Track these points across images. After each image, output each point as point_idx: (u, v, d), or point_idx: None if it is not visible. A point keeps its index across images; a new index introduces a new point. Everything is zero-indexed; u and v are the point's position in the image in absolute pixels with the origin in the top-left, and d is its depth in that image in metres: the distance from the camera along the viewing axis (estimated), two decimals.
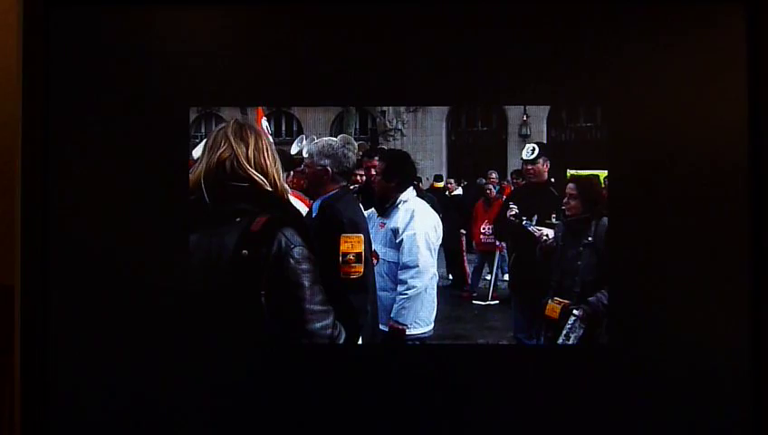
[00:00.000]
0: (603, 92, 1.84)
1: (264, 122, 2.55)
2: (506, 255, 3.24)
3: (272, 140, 2.24)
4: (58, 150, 1.80)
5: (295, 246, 1.87)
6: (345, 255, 2.05)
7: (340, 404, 1.84)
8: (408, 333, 2.38)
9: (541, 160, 2.80)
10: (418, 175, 3.24)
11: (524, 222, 2.74)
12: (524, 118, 3.92)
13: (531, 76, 1.86)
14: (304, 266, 1.88)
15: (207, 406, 1.83)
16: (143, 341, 1.81)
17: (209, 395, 1.83)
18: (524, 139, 3.83)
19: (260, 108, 2.47)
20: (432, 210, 2.56)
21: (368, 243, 2.14)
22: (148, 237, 1.81)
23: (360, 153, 2.47)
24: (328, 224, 2.12)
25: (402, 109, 3.71)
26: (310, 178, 2.13)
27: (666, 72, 1.82)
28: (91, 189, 1.81)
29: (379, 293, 2.34)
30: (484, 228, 3.36)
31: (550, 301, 2.38)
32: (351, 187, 2.27)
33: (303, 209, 2.22)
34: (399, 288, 2.39)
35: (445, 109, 3.88)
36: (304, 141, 3.82)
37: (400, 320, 2.39)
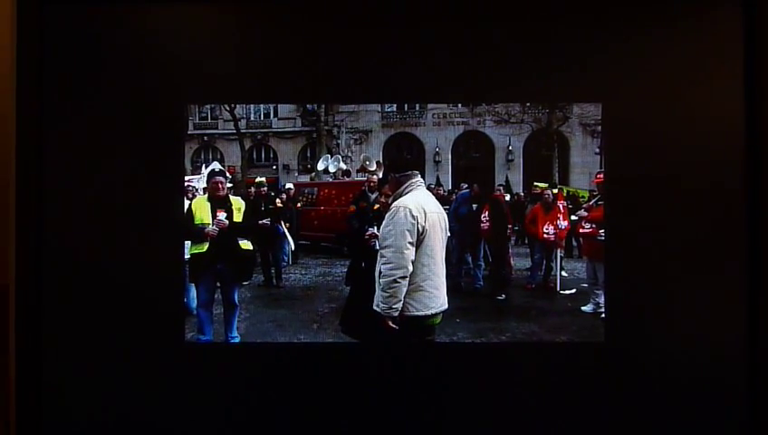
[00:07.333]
0: (603, 90, 1.83)
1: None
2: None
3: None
4: (52, 151, 1.80)
5: None
6: None
7: (345, 401, 1.84)
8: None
9: None
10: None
11: None
12: (509, 148, 5.01)
13: (531, 74, 1.84)
14: None
15: (204, 405, 1.83)
16: (137, 339, 1.81)
17: (206, 394, 1.83)
18: (509, 162, 5.07)
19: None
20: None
21: None
22: (142, 237, 1.81)
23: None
24: None
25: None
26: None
27: (664, 70, 1.80)
28: (85, 189, 1.81)
29: None
30: (546, 228, 4.07)
31: None
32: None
33: None
34: None
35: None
36: (329, 160, 4.33)
37: None
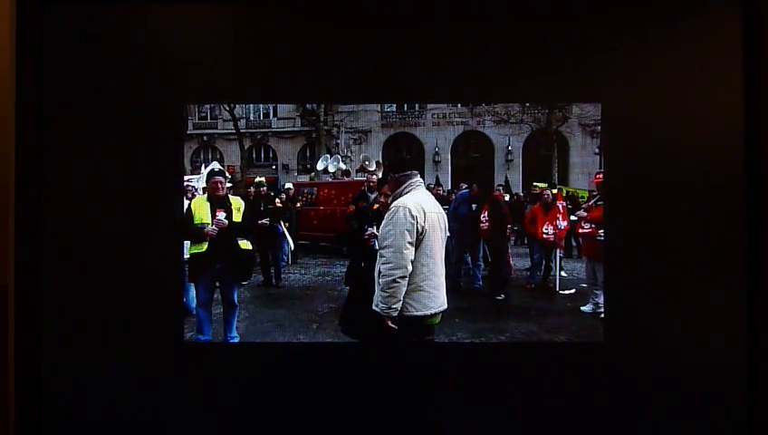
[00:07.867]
0: (603, 90, 1.83)
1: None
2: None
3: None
4: (52, 151, 1.80)
5: None
6: None
7: (347, 402, 1.84)
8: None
9: None
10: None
11: None
12: (508, 148, 5.05)
13: (531, 74, 1.85)
14: None
15: (203, 405, 1.83)
16: (136, 339, 1.81)
17: (206, 394, 1.83)
18: (508, 163, 5.08)
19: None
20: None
21: None
22: (142, 237, 1.81)
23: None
24: None
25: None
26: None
27: (664, 70, 1.80)
28: (85, 189, 1.81)
29: None
30: (546, 228, 4.09)
31: None
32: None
33: None
34: None
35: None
36: (329, 159, 4.31)
37: None
